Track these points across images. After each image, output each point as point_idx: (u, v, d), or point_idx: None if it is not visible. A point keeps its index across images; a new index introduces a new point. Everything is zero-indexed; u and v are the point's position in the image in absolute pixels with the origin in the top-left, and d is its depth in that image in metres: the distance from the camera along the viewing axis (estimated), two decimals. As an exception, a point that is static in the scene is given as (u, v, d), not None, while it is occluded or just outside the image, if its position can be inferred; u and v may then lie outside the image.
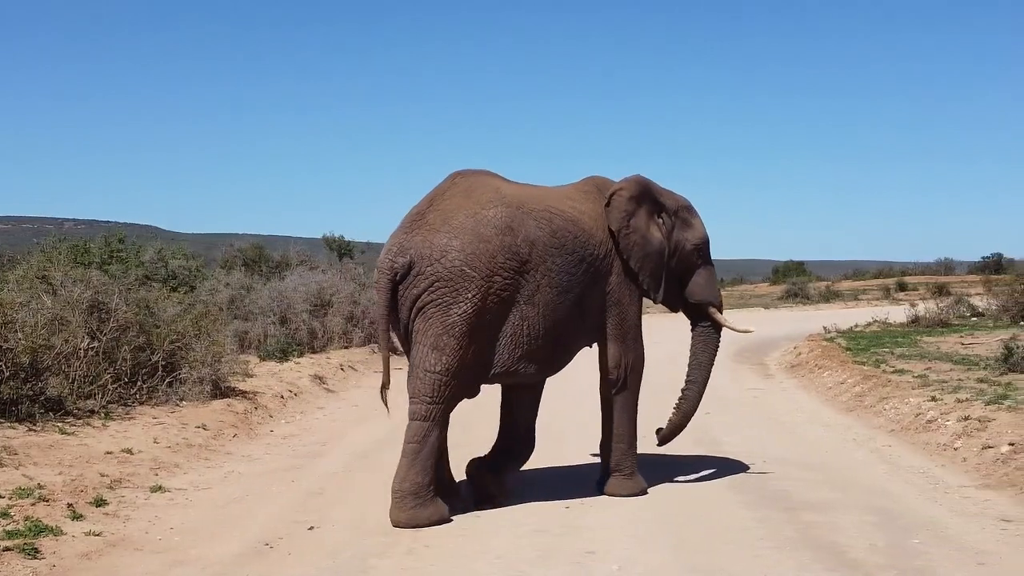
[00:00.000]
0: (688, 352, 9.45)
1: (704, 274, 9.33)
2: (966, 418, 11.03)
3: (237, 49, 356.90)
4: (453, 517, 7.91)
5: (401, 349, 8.54)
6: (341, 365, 18.71)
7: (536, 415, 9.00)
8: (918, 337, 22.32)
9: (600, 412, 8.96)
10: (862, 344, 20.78)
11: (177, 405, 12.21)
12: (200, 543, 7.32)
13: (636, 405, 8.90)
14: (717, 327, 9.41)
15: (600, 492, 8.78)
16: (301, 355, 18.55)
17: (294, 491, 9.08)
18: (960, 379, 14.15)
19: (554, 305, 8.06)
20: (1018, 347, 14.91)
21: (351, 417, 13.76)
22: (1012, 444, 9.67)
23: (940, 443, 10.73)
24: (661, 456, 10.06)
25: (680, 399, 9.37)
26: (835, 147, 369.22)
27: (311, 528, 7.74)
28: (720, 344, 9.55)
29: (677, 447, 10.11)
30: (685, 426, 9.44)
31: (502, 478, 8.66)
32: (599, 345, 8.68)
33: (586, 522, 7.91)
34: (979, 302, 29.93)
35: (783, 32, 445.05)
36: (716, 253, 9.55)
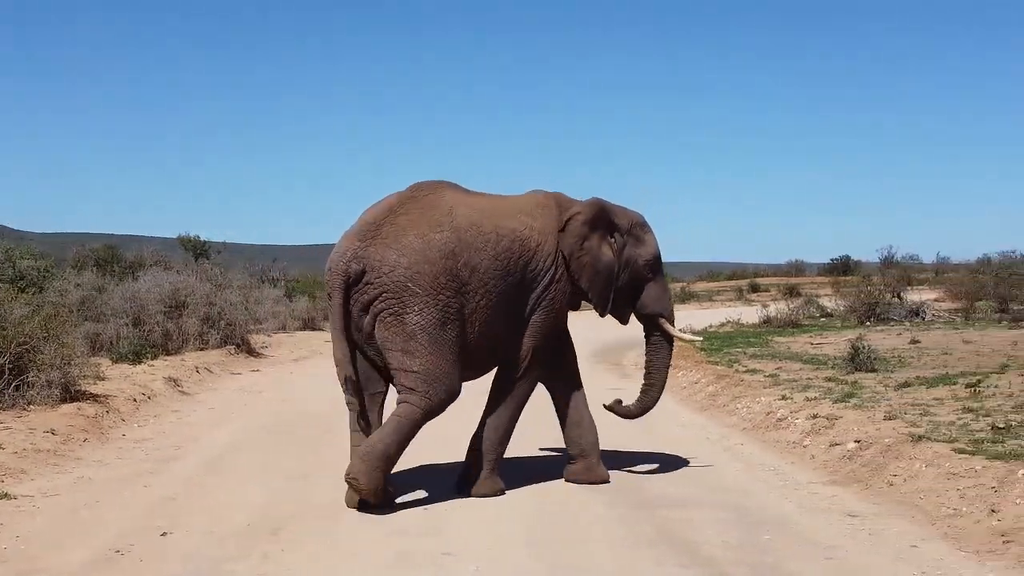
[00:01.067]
0: (645, 356, 9.97)
1: (656, 287, 9.71)
2: (815, 416, 11.36)
3: (85, 39, 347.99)
4: (307, 520, 7.85)
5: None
6: (197, 367, 18.38)
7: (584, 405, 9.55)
8: (770, 337, 22.90)
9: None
10: (716, 344, 21.21)
11: (24, 409, 11.85)
12: (48, 551, 7.11)
13: (524, 404, 9.14)
14: (669, 337, 9.79)
15: (459, 489, 8.87)
16: (155, 357, 18.17)
17: (147, 496, 8.89)
18: (809, 378, 14.57)
19: (492, 321, 8.60)
20: (864, 347, 15.41)
21: (206, 420, 13.52)
22: (858, 441, 9.98)
23: (790, 441, 11.02)
24: (519, 456, 10.12)
25: (642, 394, 9.82)
26: (689, 149, 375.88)
27: (164, 534, 7.58)
28: (672, 351, 10.01)
29: (534, 447, 10.20)
30: (638, 416, 9.99)
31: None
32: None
33: (445, 523, 7.91)
34: (828, 303, 30.82)
35: (633, 31, 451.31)
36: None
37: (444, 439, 10.01)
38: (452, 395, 8.47)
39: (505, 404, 9.02)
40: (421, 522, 7.94)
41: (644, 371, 9.89)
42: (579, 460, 9.36)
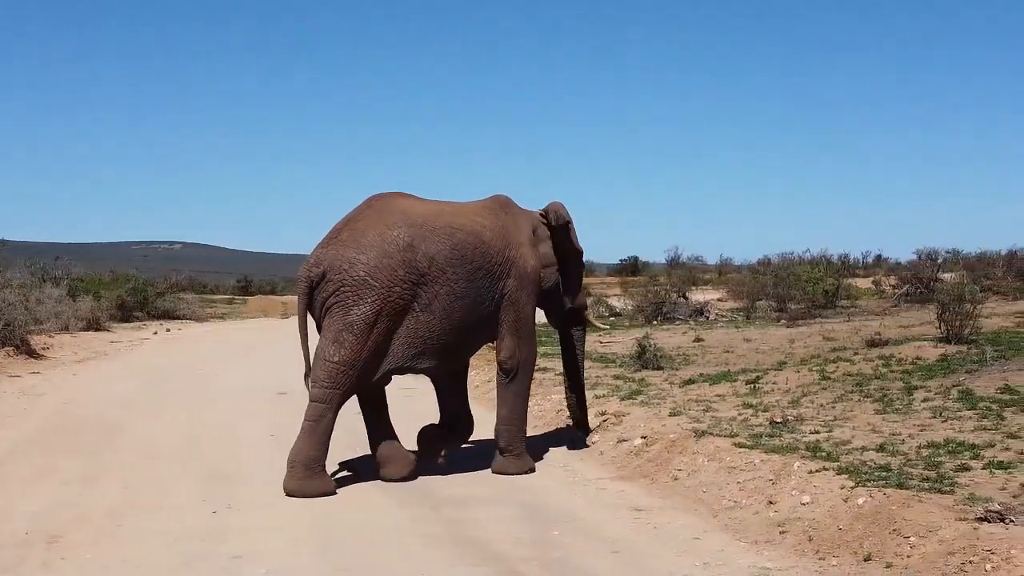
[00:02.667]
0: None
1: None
2: (603, 413, 11.61)
3: None
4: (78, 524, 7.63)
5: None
6: (-29, 370, 17.61)
7: (466, 399, 10.40)
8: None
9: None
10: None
11: None
12: None
13: (528, 392, 10.22)
14: (584, 328, 11.32)
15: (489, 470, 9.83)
16: (-75, 360, 17.32)
17: (-84, 506, 8.47)
18: (598, 376, 14.84)
19: (453, 309, 9.22)
20: (651, 345, 15.79)
21: (-19, 425, 12.96)
22: (644, 437, 10.24)
23: (579, 438, 11.21)
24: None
25: (568, 396, 11.27)
26: (483, 149, 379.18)
27: (-65, 545, 7.25)
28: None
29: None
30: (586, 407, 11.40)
31: (441, 448, 10.15)
32: (496, 339, 9.87)
33: (233, 526, 7.80)
34: (617, 302, 31.38)
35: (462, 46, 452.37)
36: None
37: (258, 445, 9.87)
38: (364, 383, 9.08)
39: (511, 400, 9.91)
40: (209, 526, 7.81)
41: (567, 369, 11.16)
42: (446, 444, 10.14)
